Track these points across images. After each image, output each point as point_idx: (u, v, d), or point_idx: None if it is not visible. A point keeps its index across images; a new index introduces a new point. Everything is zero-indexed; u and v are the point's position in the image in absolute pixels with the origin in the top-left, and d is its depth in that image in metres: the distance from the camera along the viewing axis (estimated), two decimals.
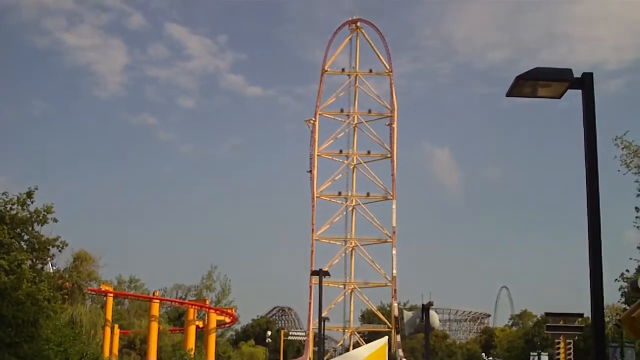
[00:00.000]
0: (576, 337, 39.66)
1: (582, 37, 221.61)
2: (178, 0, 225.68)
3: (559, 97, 9.90)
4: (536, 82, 9.65)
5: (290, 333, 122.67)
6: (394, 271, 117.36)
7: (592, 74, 9.75)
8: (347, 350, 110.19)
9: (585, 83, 9.70)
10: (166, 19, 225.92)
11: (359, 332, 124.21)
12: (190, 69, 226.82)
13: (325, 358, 68.24)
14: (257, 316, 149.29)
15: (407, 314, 30.49)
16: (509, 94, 9.85)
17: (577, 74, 9.80)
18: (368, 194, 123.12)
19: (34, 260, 52.31)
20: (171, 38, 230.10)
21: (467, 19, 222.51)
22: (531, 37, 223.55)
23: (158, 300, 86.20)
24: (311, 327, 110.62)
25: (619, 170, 43.15)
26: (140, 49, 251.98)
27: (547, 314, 43.76)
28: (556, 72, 9.66)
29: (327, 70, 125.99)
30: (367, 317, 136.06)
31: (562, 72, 9.67)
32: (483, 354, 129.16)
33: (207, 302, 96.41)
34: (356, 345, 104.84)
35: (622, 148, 42.70)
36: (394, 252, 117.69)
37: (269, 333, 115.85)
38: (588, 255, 9.52)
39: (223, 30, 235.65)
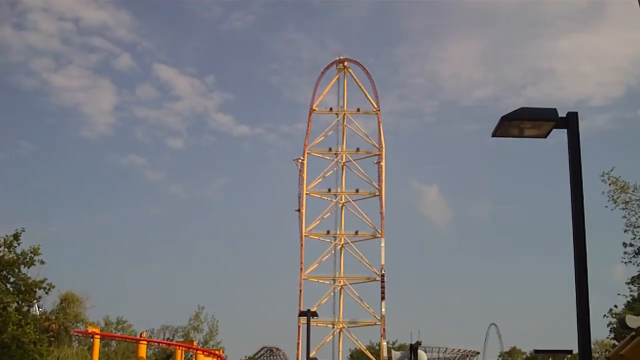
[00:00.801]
0: None
1: (567, 73, 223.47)
2: (165, 41, 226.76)
3: (545, 137, 9.99)
4: (521, 122, 9.74)
5: None
6: (383, 310, 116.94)
7: (576, 113, 9.85)
8: None
9: (570, 122, 9.80)
10: (154, 60, 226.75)
11: None
12: (178, 110, 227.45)
13: None
14: (245, 357, 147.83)
15: (396, 354, 30.38)
16: (494, 134, 9.94)
17: (563, 111, 9.89)
18: (357, 232, 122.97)
19: (20, 302, 52.08)
20: (159, 79, 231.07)
21: (452, 57, 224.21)
22: (516, 74, 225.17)
23: (145, 342, 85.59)
24: None
25: (606, 206, 43.50)
26: (128, 89, 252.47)
27: (536, 351, 43.62)
28: (541, 112, 9.75)
29: (315, 110, 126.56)
30: (356, 356, 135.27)
31: (547, 112, 9.76)
32: None
33: (195, 343, 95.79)
34: None
35: (610, 184, 43.11)
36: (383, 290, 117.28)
37: None
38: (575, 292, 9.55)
39: (211, 70, 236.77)
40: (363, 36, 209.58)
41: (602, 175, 43.16)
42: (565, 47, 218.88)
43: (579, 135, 9.78)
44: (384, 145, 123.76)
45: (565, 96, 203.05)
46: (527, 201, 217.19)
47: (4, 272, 51.54)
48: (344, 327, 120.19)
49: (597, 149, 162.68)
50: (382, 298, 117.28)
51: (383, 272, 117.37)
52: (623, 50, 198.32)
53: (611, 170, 43.48)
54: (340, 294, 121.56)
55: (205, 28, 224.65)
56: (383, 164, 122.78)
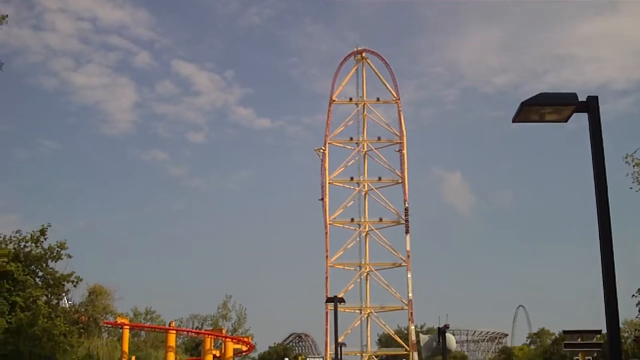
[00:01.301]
0: (595, 354, 39.36)
1: (588, 58, 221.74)
2: (184, 38, 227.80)
3: (565, 121, 9.97)
4: (541, 107, 9.71)
5: (308, 359, 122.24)
6: (410, 294, 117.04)
7: (597, 97, 9.81)
8: None
9: (591, 106, 9.76)
10: (173, 57, 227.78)
11: (376, 356, 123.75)
12: (198, 105, 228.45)
13: None
14: (274, 343, 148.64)
15: (424, 338, 30.44)
16: (514, 120, 9.92)
17: (584, 95, 9.85)
18: (381, 219, 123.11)
19: (49, 296, 52.70)
20: (179, 75, 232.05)
21: (471, 45, 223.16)
22: (536, 60, 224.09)
23: (174, 331, 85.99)
24: (328, 352, 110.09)
25: (631, 188, 43.18)
26: (148, 86, 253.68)
27: (564, 331, 43.50)
28: (561, 97, 9.72)
29: (334, 100, 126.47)
30: (385, 340, 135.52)
31: (566, 96, 9.73)
32: None
33: (224, 332, 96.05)
34: None
35: (633, 166, 42.79)
36: (409, 275, 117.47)
37: (287, 359, 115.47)
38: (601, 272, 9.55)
39: (230, 66, 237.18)
40: (381, 27, 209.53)
41: (626, 157, 42.83)
42: (585, 32, 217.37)
43: (599, 119, 9.74)
44: (405, 134, 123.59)
45: (586, 81, 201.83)
46: (550, 186, 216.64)
47: (32, 266, 52.13)
48: (371, 313, 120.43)
49: (620, 132, 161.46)
50: (407, 232, 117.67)
51: (407, 206, 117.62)
52: None
53: (635, 152, 43.12)
54: (366, 280, 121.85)
55: (223, 23, 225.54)
56: (405, 151, 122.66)
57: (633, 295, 52.41)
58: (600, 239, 9.50)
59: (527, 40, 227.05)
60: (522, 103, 9.62)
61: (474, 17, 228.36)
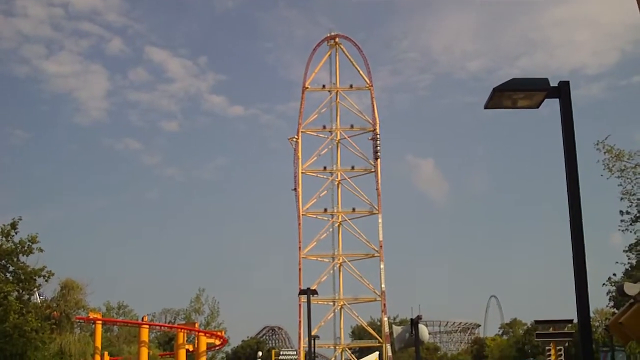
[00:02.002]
0: (566, 344, 39.77)
1: (561, 42, 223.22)
2: (157, 24, 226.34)
3: (537, 107, 9.96)
4: (513, 93, 9.70)
5: (282, 352, 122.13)
6: (383, 285, 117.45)
7: (568, 82, 9.80)
8: None
9: (562, 92, 9.75)
10: (146, 43, 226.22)
11: (350, 348, 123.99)
12: (172, 92, 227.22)
13: None
14: (247, 337, 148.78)
15: (397, 329, 30.44)
16: (487, 106, 9.91)
17: (557, 80, 9.84)
18: (354, 209, 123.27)
19: (21, 291, 52.06)
20: (152, 62, 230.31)
21: (444, 30, 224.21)
22: (510, 45, 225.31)
23: (147, 326, 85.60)
24: (302, 345, 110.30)
25: (602, 175, 43.49)
26: (121, 74, 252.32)
27: (536, 321, 43.89)
28: (533, 82, 9.71)
29: (307, 88, 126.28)
30: (358, 332, 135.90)
31: (538, 82, 9.72)
32: None
33: (197, 326, 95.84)
34: None
35: (604, 152, 43.07)
36: (382, 266, 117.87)
37: (260, 353, 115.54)
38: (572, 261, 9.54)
39: (203, 52, 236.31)
40: (355, 12, 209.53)
41: (597, 144, 43.13)
42: (558, 16, 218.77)
43: (571, 105, 9.74)
44: (378, 121, 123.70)
45: (559, 65, 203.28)
46: (523, 172, 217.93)
47: (3, 261, 51.51)
48: (344, 304, 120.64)
49: (593, 117, 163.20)
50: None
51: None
52: (617, 17, 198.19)
53: (606, 138, 43.44)
54: (339, 271, 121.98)
55: (197, 8, 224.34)
56: (378, 140, 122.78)
57: (603, 284, 52.97)
58: (571, 226, 9.50)
59: (501, 24, 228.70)
60: (494, 89, 9.60)
61: (449, 1, 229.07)
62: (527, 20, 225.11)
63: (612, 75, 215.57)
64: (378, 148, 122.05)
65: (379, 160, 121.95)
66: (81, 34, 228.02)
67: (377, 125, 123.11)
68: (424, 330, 28.61)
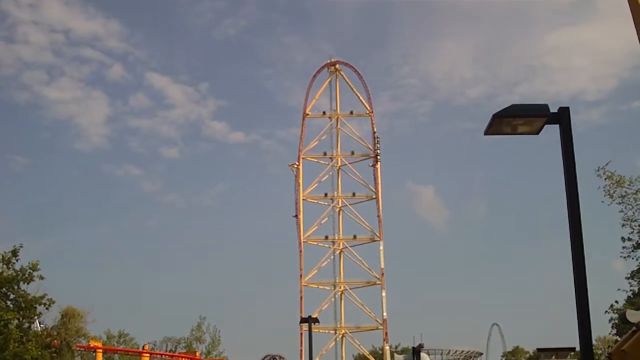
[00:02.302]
0: None
1: (561, 68, 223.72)
2: (157, 50, 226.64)
3: (537, 133, 9.96)
4: (513, 119, 9.70)
5: None
6: (384, 314, 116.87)
7: (568, 108, 9.81)
8: None
9: (562, 118, 9.76)
10: (146, 69, 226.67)
11: None
12: (172, 118, 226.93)
13: None
14: None
15: (399, 358, 30.38)
16: (487, 132, 9.91)
17: (557, 106, 9.84)
18: (355, 236, 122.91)
19: (21, 319, 51.89)
20: (152, 87, 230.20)
21: (444, 56, 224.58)
22: (509, 71, 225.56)
23: (148, 354, 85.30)
24: None
25: (602, 201, 43.39)
26: (121, 100, 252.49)
27: (539, 349, 43.66)
28: (532, 108, 9.72)
29: (308, 114, 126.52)
30: None
31: (538, 108, 9.72)
32: None
33: (198, 354, 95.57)
34: None
35: (605, 178, 42.99)
36: (383, 294, 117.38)
37: None
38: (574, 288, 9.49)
39: (204, 78, 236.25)
40: (355, 38, 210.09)
41: (598, 170, 43.07)
42: (557, 42, 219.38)
43: (571, 131, 9.74)
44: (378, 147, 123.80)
45: (559, 91, 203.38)
46: (524, 199, 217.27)
47: (4, 289, 51.39)
48: (346, 333, 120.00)
49: (592, 143, 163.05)
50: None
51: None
52: (615, 44, 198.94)
53: (606, 164, 43.38)
54: (341, 299, 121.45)
55: (197, 35, 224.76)
56: (378, 166, 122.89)
57: (606, 311, 52.81)
58: (572, 253, 9.46)
59: (500, 50, 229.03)
60: (493, 115, 9.60)
61: (448, 28, 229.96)
62: (526, 47, 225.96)
63: (611, 100, 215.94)
64: (378, 174, 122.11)
65: (379, 187, 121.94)
66: (82, 60, 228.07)
67: (378, 151, 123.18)
68: (425, 359, 28.50)
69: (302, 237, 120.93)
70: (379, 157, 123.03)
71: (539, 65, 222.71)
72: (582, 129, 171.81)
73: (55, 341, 58.47)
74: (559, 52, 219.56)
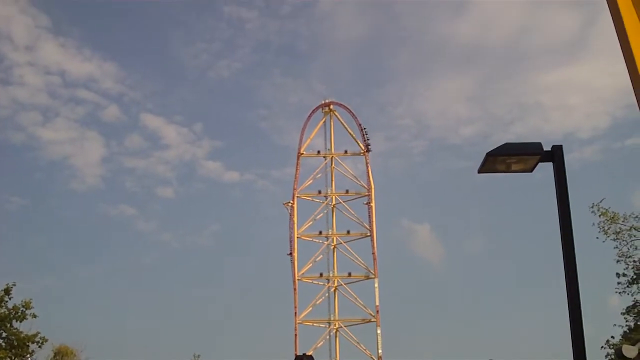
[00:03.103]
0: None
1: (554, 106, 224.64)
2: (152, 91, 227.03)
3: (531, 171, 10.04)
4: (507, 157, 9.78)
5: None
6: (380, 351, 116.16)
7: (561, 146, 9.90)
8: None
9: (556, 155, 9.85)
10: (142, 110, 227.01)
11: None
12: (167, 158, 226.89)
13: None
14: None
15: None
16: (480, 171, 9.98)
17: (551, 144, 9.91)
18: (350, 274, 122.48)
19: (13, 357, 51.53)
20: (147, 128, 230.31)
21: (438, 95, 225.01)
22: (503, 109, 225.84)
23: None
24: None
25: (597, 237, 43.49)
26: (116, 140, 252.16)
27: None
28: (526, 146, 9.81)
29: (303, 154, 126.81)
30: None
31: (531, 146, 9.82)
32: None
33: None
34: None
35: (599, 215, 43.11)
36: (378, 331, 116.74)
37: None
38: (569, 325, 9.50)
39: (198, 118, 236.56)
40: (349, 78, 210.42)
41: (592, 207, 43.21)
42: (551, 80, 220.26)
43: (564, 168, 9.82)
44: (373, 186, 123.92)
45: (553, 129, 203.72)
46: (519, 235, 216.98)
47: None
48: None
49: (587, 180, 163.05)
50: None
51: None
52: (608, 81, 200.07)
53: (600, 201, 43.56)
54: (335, 336, 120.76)
55: (192, 77, 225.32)
56: (373, 204, 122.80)
57: (602, 347, 52.63)
58: (567, 289, 9.49)
59: (495, 89, 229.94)
60: (487, 154, 9.68)
61: (442, 67, 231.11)
62: (520, 86, 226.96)
63: (604, 138, 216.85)
64: (372, 213, 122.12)
65: (374, 224, 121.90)
66: (77, 101, 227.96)
67: (372, 190, 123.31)
68: None
69: (296, 275, 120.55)
70: (369, 147, 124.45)
71: (533, 104, 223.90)
72: (576, 167, 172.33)
73: None
74: (553, 90, 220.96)
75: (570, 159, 9.98)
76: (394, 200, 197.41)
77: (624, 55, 8.82)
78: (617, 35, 8.87)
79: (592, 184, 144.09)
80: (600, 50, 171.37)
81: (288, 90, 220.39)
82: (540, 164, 9.97)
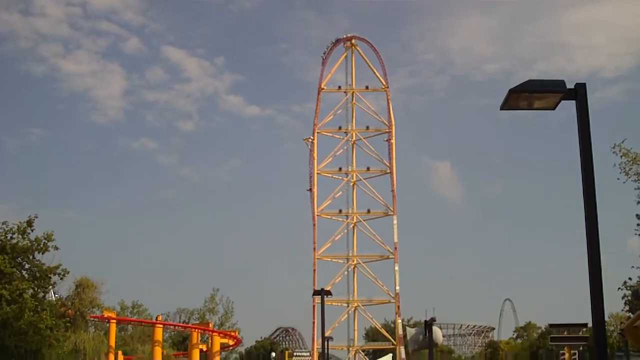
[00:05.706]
0: (581, 348, 39.51)
1: (578, 46, 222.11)
2: (174, 23, 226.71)
3: (553, 109, 9.87)
4: (529, 94, 9.62)
5: (295, 353, 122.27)
6: (397, 287, 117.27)
7: (585, 84, 9.72)
8: None
9: (579, 94, 9.67)
10: (163, 42, 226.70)
11: (363, 350, 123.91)
12: (188, 92, 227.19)
13: None
14: (261, 337, 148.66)
15: (410, 331, 30.57)
16: (503, 107, 9.84)
17: (574, 83, 9.75)
18: (369, 211, 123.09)
19: (36, 289, 52.38)
20: (169, 61, 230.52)
21: (462, 32, 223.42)
22: (527, 48, 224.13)
23: (161, 325, 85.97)
24: (315, 346, 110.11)
25: (618, 179, 43.08)
26: (138, 73, 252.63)
27: (551, 325, 43.70)
28: (549, 83, 9.63)
29: (323, 89, 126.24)
30: (371, 334, 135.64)
31: (554, 83, 9.64)
32: None
33: (211, 325, 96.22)
34: None
35: (621, 156, 42.61)
36: (396, 268, 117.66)
37: (273, 354, 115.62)
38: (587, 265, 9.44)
39: (220, 52, 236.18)
40: (372, 13, 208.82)
41: (613, 147, 42.67)
42: (576, 20, 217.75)
43: (587, 107, 9.65)
44: (393, 123, 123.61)
45: (577, 68, 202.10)
46: (540, 175, 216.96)
47: (19, 258, 51.81)
48: (358, 306, 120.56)
49: (610, 120, 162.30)
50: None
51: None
52: (634, 21, 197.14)
53: (622, 142, 42.95)
54: (354, 272, 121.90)
55: (214, 9, 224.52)
56: (393, 141, 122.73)
57: (619, 288, 52.63)
58: (586, 230, 9.41)
59: (519, 28, 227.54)
60: (510, 90, 9.53)
61: (466, 4, 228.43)
62: (544, 24, 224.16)
63: (629, 78, 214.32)
64: (393, 149, 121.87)
65: (394, 161, 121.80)
66: (99, 33, 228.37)
67: (393, 127, 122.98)
68: (437, 333, 28.64)
69: (315, 211, 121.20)
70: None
71: (557, 43, 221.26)
72: (599, 107, 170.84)
73: (70, 311, 58.94)
74: (577, 29, 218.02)
75: (593, 99, 9.85)
76: (414, 137, 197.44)
77: None
78: None
79: (615, 124, 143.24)
80: None
81: (310, 24, 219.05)
82: (563, 102, 9.80)
